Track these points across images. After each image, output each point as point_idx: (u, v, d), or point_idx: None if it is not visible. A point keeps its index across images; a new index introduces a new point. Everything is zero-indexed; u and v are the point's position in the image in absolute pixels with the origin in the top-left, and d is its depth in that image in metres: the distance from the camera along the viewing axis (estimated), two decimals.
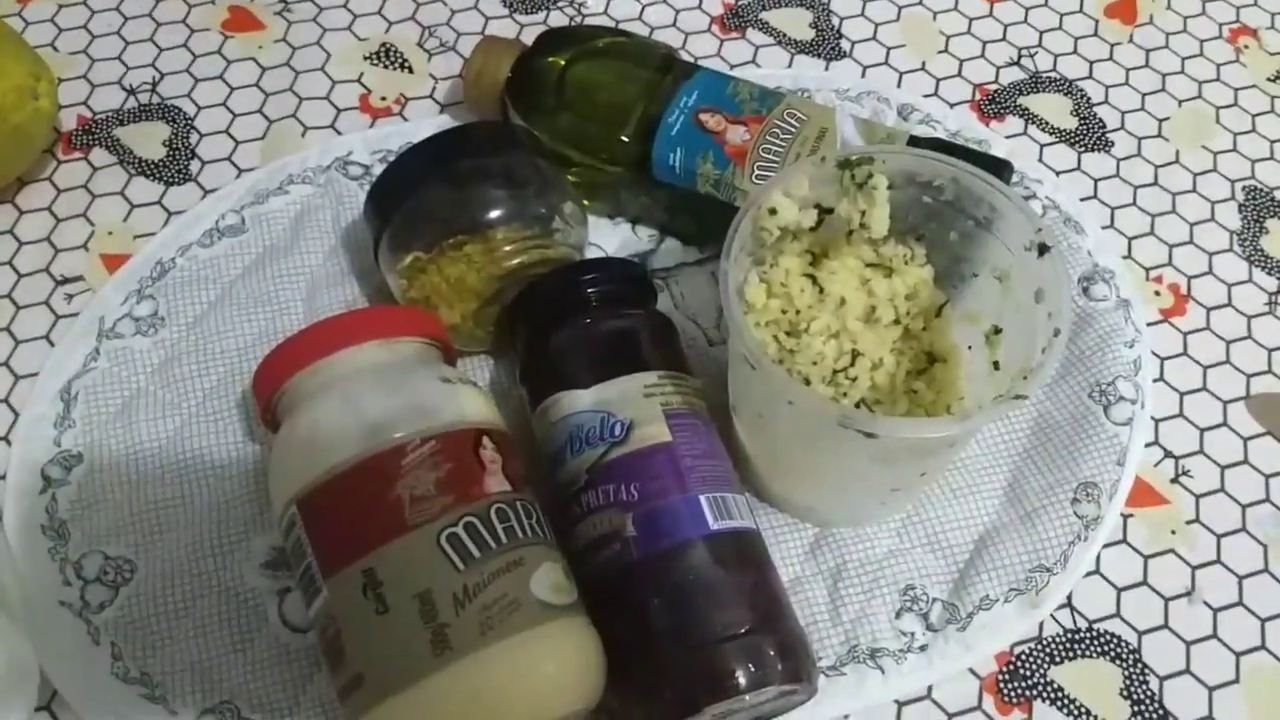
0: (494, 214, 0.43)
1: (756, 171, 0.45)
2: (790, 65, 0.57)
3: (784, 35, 0.58)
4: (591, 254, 0.50)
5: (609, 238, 0.51)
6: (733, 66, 0.57)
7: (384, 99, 0.55)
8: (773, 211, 0.36)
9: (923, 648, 0.41)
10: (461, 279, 0.43)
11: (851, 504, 0.42)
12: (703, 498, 0.37)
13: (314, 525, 0.34)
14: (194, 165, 0.52)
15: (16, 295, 0.49)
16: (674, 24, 0.59)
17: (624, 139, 0.48)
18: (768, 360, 0.33)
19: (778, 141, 0.46)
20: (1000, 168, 0.45)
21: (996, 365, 0.39)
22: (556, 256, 0.45)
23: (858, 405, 0.39)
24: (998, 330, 0.39)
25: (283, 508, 0.35)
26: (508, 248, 0.43)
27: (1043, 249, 0.36)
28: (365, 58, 0.57)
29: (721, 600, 0.35)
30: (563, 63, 0.49)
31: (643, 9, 0.59)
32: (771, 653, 0.35)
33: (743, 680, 0.34)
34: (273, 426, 0.39)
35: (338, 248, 0.49)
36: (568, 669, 0.33)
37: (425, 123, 0.54)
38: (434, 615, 0.32)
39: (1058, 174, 0.54)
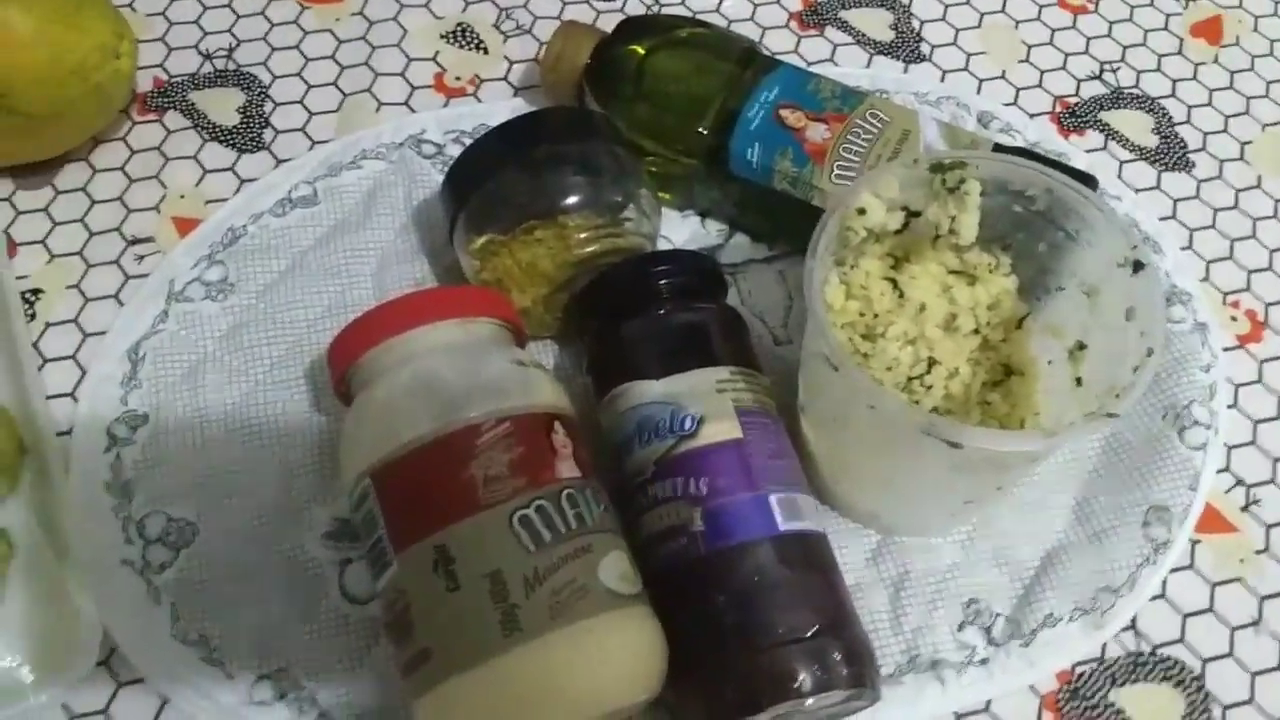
0: (569, 200, 0.43)
1: (836, 171, 0.45)
2: (869, 65, 0.56)
3: (863, 35, 0.58)
4: (661, 245, 0.49)
5: (678, 230, 0.51)
6: (810, 64, 0.56)
7: (459, 79, 0.55)
8: (861, 211, 0.36)
9: (984, 661, 0.41)
10: (534, 263, 0.43)
11: (920, 513, 0.41)
12: (772, 497, 0.36)
13: (387, 498, 0.34)
14: (268, 134, 0.53)
15: (87, 253, 0.49)
16: (752, 18, 0.58)
17: (701, 131, 0.47)
18: (851, 362, 0.33)
19: (859, 141, 0.45)
20: (1086, 181, 0.44)
21: (1079, 381, 0.38)
22: (629, 246, 0.44)
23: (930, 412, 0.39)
24: (1082, 346, 0.38)
25: (355, 479, 0.35)
26: (581, 235, 0.43)
27: (1138, 266, 0.35)
28: (441, 36, 0.57)
29: (788, 601, 0.35)
30: (642, 51, 0.49)
31: (720, 2, 0.59)
32: (837, 657, 0.35)
33: (807, 683, 0.34)
34: (346, 399, 0.39)
35: (409, 225, 0.49)
36: (632, 658, 0.33)
37: (499, 104, 0.54)
38: (504, 595, 0.31)
39: (1137, 192, 0.53)
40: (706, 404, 0.38)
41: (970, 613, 0.41)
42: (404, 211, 0.50)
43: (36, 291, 0.47)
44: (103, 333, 0.46)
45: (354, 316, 0.45)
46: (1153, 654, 0.42)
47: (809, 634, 0.34)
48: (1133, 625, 0.42)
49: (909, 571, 0.42)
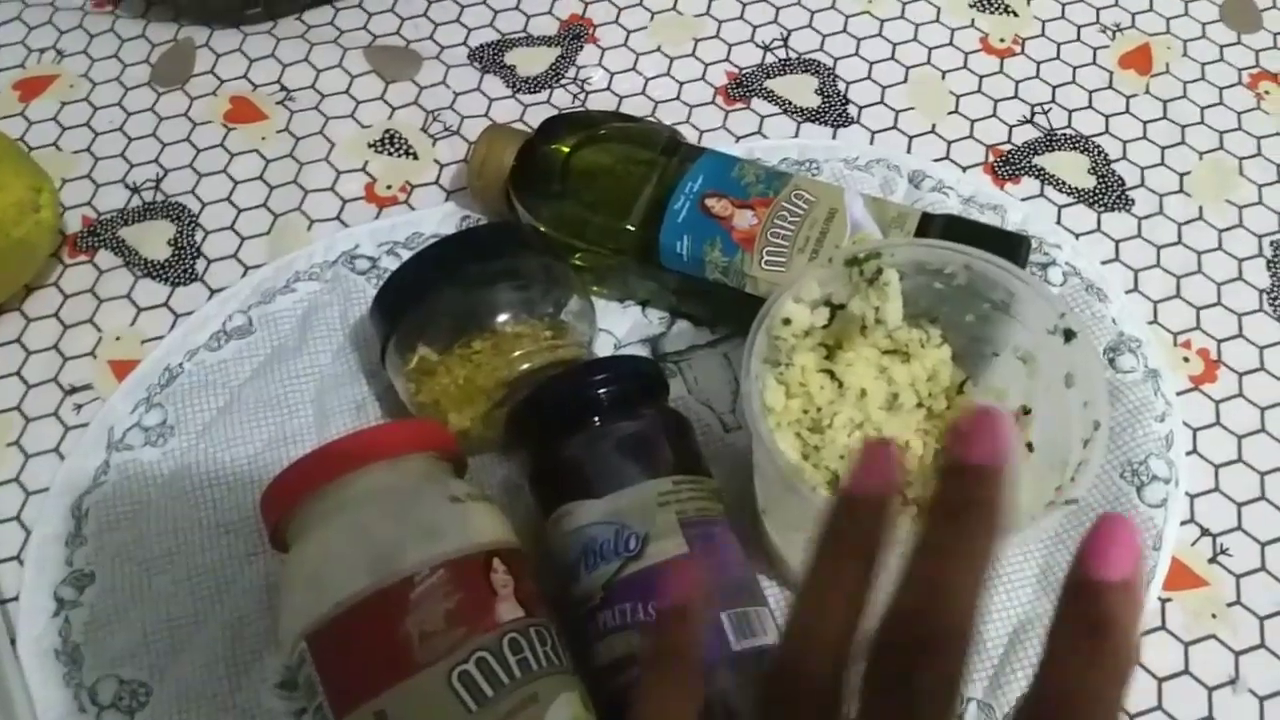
0: (502, 316, 0.43)
1: (765, 257, 0.44)
2: (797, 134, 0.56)
3: (789, 103, 0.57)
4: (603, 339, 0.49)
5: (619, 321, 0.50)
6: (739, 138, 0.56)
7: (389, 187, 0.55)
8: (786, 321, 0.35)
9: None
10: (471, 379, 0.43)
11: None
12: (724, 615, 0.36)
13: (324, 662, 0.33)
14: (200, 264, 0.52)
15: (25, 407, 0.48)
16: (678, 97, 0.58)
17: (629, 227, 0.47)
18: (808, 486, 0.32)
19: (786, 224, 0.45)
20: (1018, 245, 0.44)
21: (1030, 446, 0.37)
22: (567, 357, 0.44)
23: None
24: (1027, 410, 0.38)
25: (292, 643, 0.34)
26: (517, 352, 0.43)
27: (1069, 334, 0.35)
28: (369, 145, 0.56)
29: None
30: (566, 150, 0.49)
31: (646, 83, 0.59)
32: None
33: None
34: (282, 548, 0.38)
35: (346, 346, 0.49)
36: None
37: (432, 211, 0.54)
38: None
39: (1077, 237, 0.53)
40: (650, 520, 0.37)
41: None
42: (340, 332, 0.49)
43: None
44: (45, 489, 0.46)
45: (295, 448, 0.45)
46: None
47: None
48: None
49: None
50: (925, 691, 0.21)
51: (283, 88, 0.58)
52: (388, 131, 0.57)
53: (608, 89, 0.58)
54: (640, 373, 0.43)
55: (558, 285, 0.45)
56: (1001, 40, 0.60)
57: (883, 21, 0.60)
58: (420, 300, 0.43)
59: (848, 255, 0.36)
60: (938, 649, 0.22)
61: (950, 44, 0.60)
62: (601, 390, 0.41)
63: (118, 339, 0.50)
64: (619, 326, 0.50)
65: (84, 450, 0.46)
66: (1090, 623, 0.21)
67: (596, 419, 0.40)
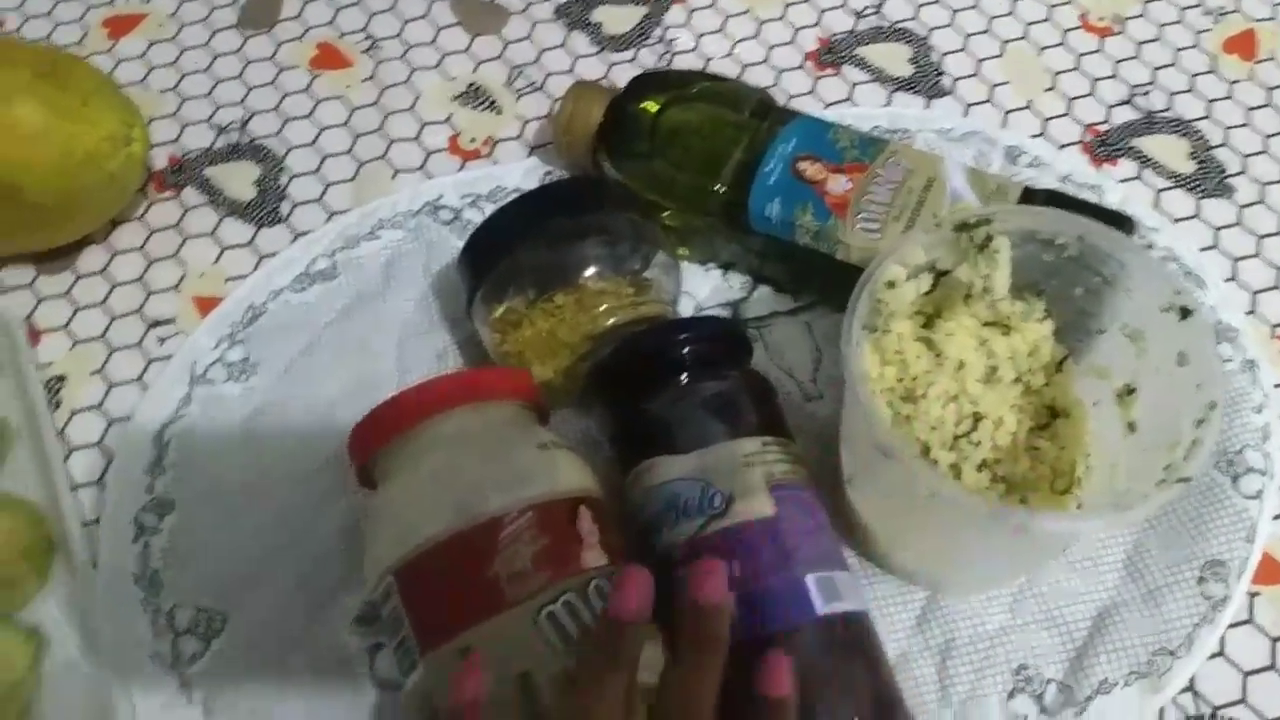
0: (588, 271, 0.43)
1: (859, 224, 0.44)
2: (888, 103, 0.55)
3: (881, 71, 0.56)
4: (684, 302, 0.48)
5: (700, 285, 0.49)
6: (828, 104, 0.55)
7: (473, 140, 0.55)
8: (891, 284, 0.35)
9: None
10: (554, 333, 0.42)
11: (983, 576, 0.40)
12: (809, 579, 0.35)
13: (410, 598, 0.33)
14: (284, 207, 0.52)
15: (110, 337, 0.49)
16: (766, 61, 0.57)
17: (718, 188, 0.46)
18: (911, 454, 0.31)
19: (882, 191, 0.44)
20: (1122, 224, 0.43)
21: (1132, 426, 0.36)
22: (650, 313, 0.43)
23: (980, 467, 0.37)
24: (1131, 390, 0.37)
25: (378, 578, 0.34)
26: (603, 305, 0.42)
27: (1185, 312, 0.34)
28: (454, 98, 0.56)
29: (830, 692, 0.33)
30: (655, 109, 0.48)
31: (734, 46, 0.58)
32: None
33: None
34: (369, 485, 0.38)
35: (428, 295, 0.49)
36: None
37: (515, 165, 0.53)
38: (535, 697, 0.30)
39: (1175, 222, 0.51)
40: (736, 479, 0.37)
41: (1021, 679, 0.40)
42: (423, 281, 0.49)
43: (61, 378, 0.47)
44: (128, 418, 0.46)
45: (376, 394, 0.44)
46: (1213, 716, 0.40)
47: None
48: (1191, 687, 0.40)
49: (955, 637, 0.40)
50: None
51: (369, 36, 0.58)
52: (472, 85, 0.57)
53: (694, 50, 0.58)
54: (728, 333, 0.42)
55: (644, 241, 0.45)
56: (1101, 19, 0.58)
57: None
58: (509, 252, 0.43)
59: (958, 220, 0.35)
60: None
61: (1048, 20, 0.58)
62: (690, 348, 0.40)
63: (201, 276, 0.50)
64: (700, 289, 0.49)
65: (167, 382, 0.46)
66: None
67: (684, 376, 0.40)
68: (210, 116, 0.56)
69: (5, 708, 0.39)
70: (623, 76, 0.51)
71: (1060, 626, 0.41)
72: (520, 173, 0.53)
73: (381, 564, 0.34)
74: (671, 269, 0.45)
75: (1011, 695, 0.39)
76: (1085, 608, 0.41)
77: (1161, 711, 0.40)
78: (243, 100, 0.56)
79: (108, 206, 0.50)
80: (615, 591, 0.31)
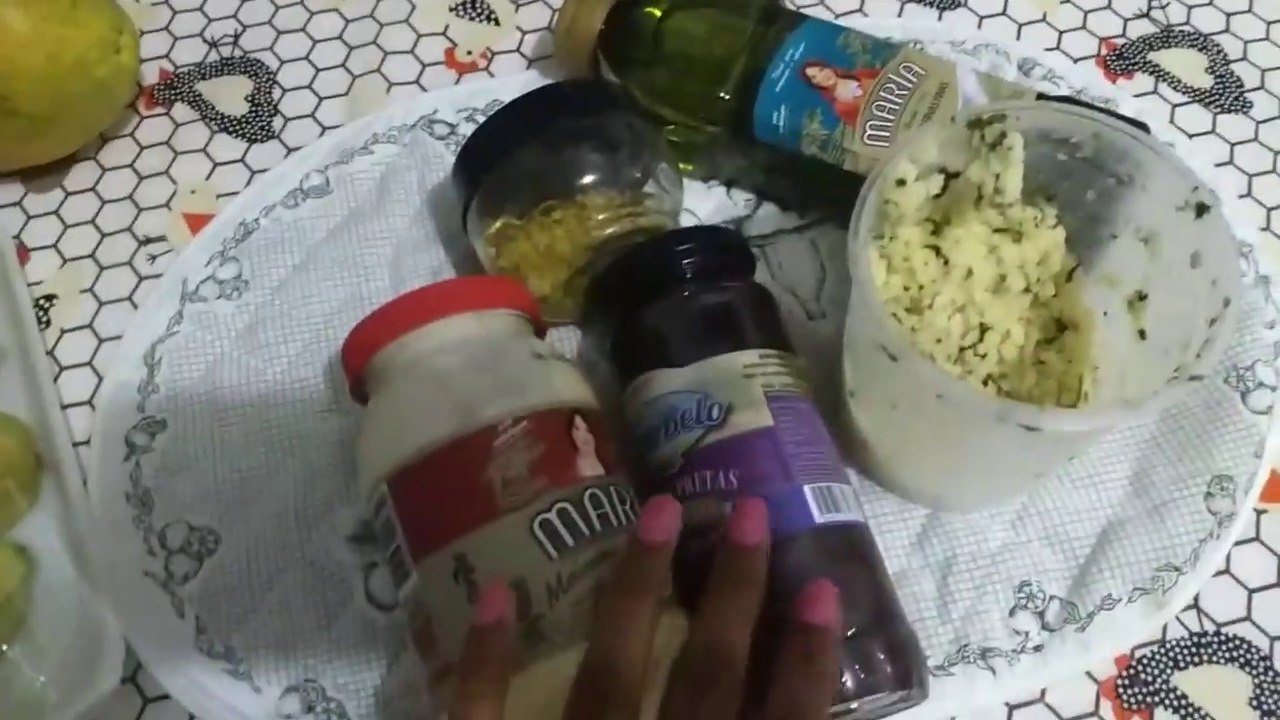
0: (587, 179, 0.41)
1: (869, 131, 0.42)
2: (900, 14, 0.53)
3: None
4: (685, 220, 0.47)
5: (703, 202, 0.48)
6: (838, 15, 0.53)
7: (470, 53, 0.53)
8: (901, 183, 0.33)
9: (1037, 648, 0.39)
10: (552, 246, 0.41)
11: (986, 491, 0.40)
12: (807, 488, 0.34)
13: (404, 506, 0.33)
14: (277, 122, 0.51)
15: (100, 255, 0.48)
16: None
17: (723, 95, 0.45)
18: (915, 353, 0.30)
19: (893, 98, 0.42)
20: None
21: (1143, 334, 0.35)
22: (650, 225, 0.42)
23: (985, 382, 0.36)
24: (1142, 296, 0.36)
25: (371, 486, 0.34)
26: (600, 216, 0.41)
27: (1201, 209, 0.33)
28: (451, 9, 0.55)
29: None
30: (659, 14, 0.46)
31: None
32: (881, 656, 0.33)
33: (851, 686, 0.32)
34: (361, 399, 0.38)
35: (423, 210, 0.48)
36: None
37: (512, 79, 0.52)
38: (527, 605, 0.30)
39: (1190, 137, 0.50)
40: (734, 391, 0.36)
41: (1022, 596, 0.39)
42: (418, 196, 0.48)
43: (50, 297, 0.47)
44: (118, 337, 0.45)
45: (371, 309, 0.44)
46: (1217, 634, 0.39)
47: (850, 634, 0.33)
48: (1195, 604, 0.40)
49: (957, 554, 0.40)
50: (709, 715, 0.29)
51: None
52: None
53: None
54: (728, 244, 0.41)
55: (645, 147, 0.43)
56: None
57: None
58: (504, 158, 0.41)
59: (971, 115, 0.34)
60: (719, 683, 0.29)
61: None
62: (689, 259, 0.39)
63: (193, 192, 0.49)
64: (702, 207, 0.48)
65: (157, 300, 0.46)
66: (805, 653, 0.30)
67: (683, 286, 0.39)
68: (202, 30, 0.54)
69: None
70: None
71: (1063, 543, 0.40)
72: (519, 85, 0.51)
73: (375, 472, 0.33)
74: (674, 180, 0.44)
75: (1013, 612, 0.39)
76: (1089, 525, 0.40)
77: (1165, 628, 0.39)
78: (235, 13, 0.55)
79: (97, 117, 0.49)
80: (646, 518, 0.31)
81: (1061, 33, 0.53)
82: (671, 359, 0.37)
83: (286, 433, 0.42)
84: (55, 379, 0.44)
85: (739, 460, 0.35)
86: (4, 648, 0.38)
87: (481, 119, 0.50)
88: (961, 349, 0.36)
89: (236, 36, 0.54)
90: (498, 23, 0.54)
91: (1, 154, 0.48)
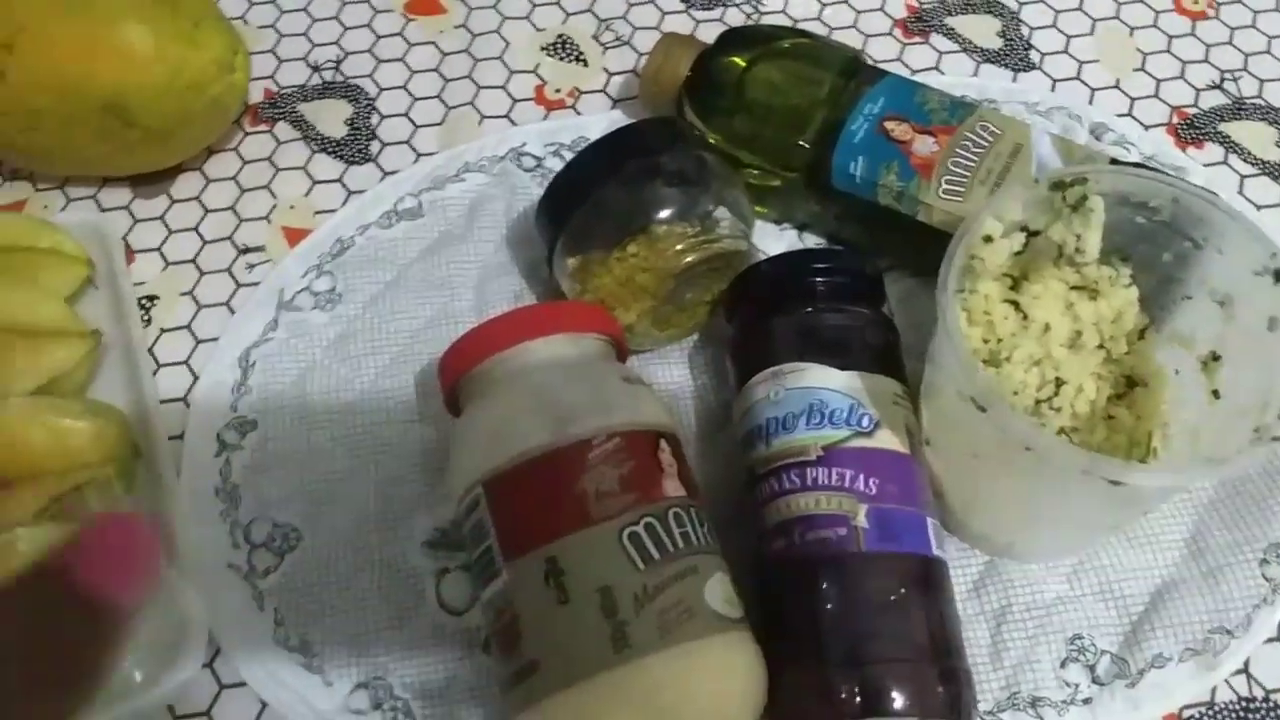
0: (662, 213, 0.43)
1: (944, 185, 0.44)
2: (975, 74, 0.55)
3: (970, 43, 0.56)
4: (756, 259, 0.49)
5: (774, 244, 0.50)
6: (914, 72, 0.55)
7: (558, 91, 0.55)
8: (988, 239, 0.35)
9: (1086, 700, 0.39)
10: (632, 279, 0.43)
11: (1058, 542, 0.41)
12: (929, 520, 0.37)
13: (498, 508, 0.34)
14: (374, 146, 0.54)
15: (201, 261, 0.50)
16: (854, 25, 0.57)
17: (802, 144, 0.47)
18: (1007, 405, 0.32)
19: (969, 155, 0.44)
20: None
21: (1216, 394, 0.36)
22: (727, 250, 0.44)
23: (1056, 435, 0.38)
24: (1216, 357, 0.37)
25: (466, 488, 0.35)
26: (678, 247, 0.43)
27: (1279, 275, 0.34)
28: (542, 48, 0.57)
29: (917, 622, 0.35)
30: (743, 63, 0.48)
31: (822, 9, 0.58)
32: (937, 685, 0.34)
33: (901, 703, 0.33)
34: (454, 409, 0.40)
35: (508, 238, 0.50)
36: (738, 683, 0.33)
37: (597, 117, 0.54)
38: (614, 611, 0.32)
39: (1259, 209, 0.51)
40: (884, 411, 0.38)
41: (1074, 649, 0.40)
42: (504, 224, 0.50)
43: (152, 298, 0.49)
44: (215, 339, 0.48)
45: (456, 328, 0.46)
46: (1266, 700, 0.40)
47: (923, 658, 0.34)
48: (1245, 669, 0.40)
49: (1012, 603, 0.41)
50: None
51: None
52: (560, 36, 0.57)
53: (782, 11, 0.58)
54: (880, 276, 0.44)
55: (718, 180, 0.44)
56: (1195, 2, 0.58)
57: None
58: (584, 199, 0.43)
59: (1054, 178, 0.35)
60: None
61: (1140, 1, 0.58)
62: (870, 278, 0.42)
63: (292, 207, 0.52)
64: (773, 249, 0.49)
65: (255, 306, 0.48)
66: None
67: (867, 301, 0.41)
68: (306, 54, 0.57)
69: None
70: (709, 34, 0.51)
71: (1117, 600, 0.41)
72: (604, 124, 0.54)
73: (471, 474, 0.35)
74: (746, 207, 0.45)
75: (1064, 664, 0.40)
76: (1144, 583, 0.41)
77: (1214, 690, 0.40)
78: (338, 40, 0.57)
79: (208, 132, 0.51)
80: None
81: (1134, 99, 0.54)
82: (833, 358, 0.39)
83: (371, 440, 0.44)
84: (154, 374, 0.47)
85: (882, 472, 0.37)
86: None
87: (567, 154, 0.52)
88: (1037, 401, 0.37)
89: (339, 63, 0.57)
90: (586, 64, 0.56)
91: (116, 161, 0.51)
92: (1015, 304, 0.37)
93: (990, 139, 0.44)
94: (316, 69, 0.56)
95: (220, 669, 0.41)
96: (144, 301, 0.49)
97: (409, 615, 0.41)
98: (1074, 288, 0.38)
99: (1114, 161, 0.43)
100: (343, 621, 0.41)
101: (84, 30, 0.47)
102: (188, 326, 0.48)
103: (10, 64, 0.46)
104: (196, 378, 0.47)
